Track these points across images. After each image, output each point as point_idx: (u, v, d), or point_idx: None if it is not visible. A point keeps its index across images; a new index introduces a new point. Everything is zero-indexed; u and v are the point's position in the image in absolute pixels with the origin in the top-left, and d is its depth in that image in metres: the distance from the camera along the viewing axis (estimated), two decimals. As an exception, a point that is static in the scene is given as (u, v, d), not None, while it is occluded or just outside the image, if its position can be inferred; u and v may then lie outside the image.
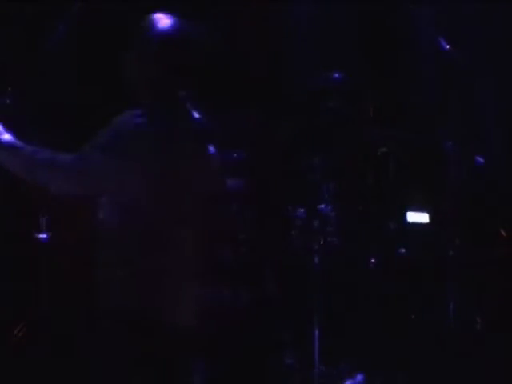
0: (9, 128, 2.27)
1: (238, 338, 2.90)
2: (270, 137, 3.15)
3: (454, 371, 2.99)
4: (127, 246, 2.14)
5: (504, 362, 3.00)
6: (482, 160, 2.97)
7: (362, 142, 3.14)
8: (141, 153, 2.07)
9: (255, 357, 2.91)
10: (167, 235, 2.15)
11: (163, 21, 2.16)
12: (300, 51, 3.44)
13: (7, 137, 2.16)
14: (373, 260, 3.25)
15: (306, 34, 3.57)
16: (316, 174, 3.05)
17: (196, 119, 2.18)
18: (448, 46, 2.90)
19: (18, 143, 2.14)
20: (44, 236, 3.43)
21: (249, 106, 3.26)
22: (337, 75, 3.05)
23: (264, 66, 3.54)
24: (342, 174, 3.17)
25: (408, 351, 3.05)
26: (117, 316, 2.15)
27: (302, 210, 3.03)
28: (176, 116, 2.18)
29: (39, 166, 2.13)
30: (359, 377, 2.89)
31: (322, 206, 3.03)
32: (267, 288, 3.00)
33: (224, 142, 3.08)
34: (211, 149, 2.29)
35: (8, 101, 2.60)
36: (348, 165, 3.20)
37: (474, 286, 3.05)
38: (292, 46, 3.48)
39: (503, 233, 3.20)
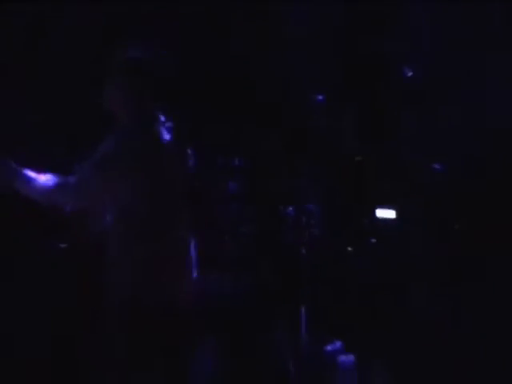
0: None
1: (239, 315, 3.45)
2: (265, 147, 3.68)
3: (422, 347, 3.59)
4: (128, 240, 2.50)
5: (467, 344, 3.57)
6: (439, 167, 3.55)
7: (341, 152, 3.70)
8: (125, 164, 2.44)
9: (253, 332, 3.47)
10: (162, 228, 2.50)
11: (131, 53, 2.58)
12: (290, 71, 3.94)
13: (26, 172, 2.48)
14: (349, 248, 3.83)
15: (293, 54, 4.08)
16: (304, 179, 3.60)
17: (168, 129, 2.59)
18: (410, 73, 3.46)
19: (35, 176, 2.47)
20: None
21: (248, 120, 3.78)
22: (321, 97, 3.58)
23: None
24: (325, 178, 3.73)
25: (381, 325, 3.64)
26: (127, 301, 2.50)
27: (291, 209, 3.59)
28: (150, 129, 2.55)
29: (52, 192, 2.48)
30: (338, 344, 3.48)
31: (309, 205, 3.60)
32: (263, 273, 3.55)
33: (227, 149, 3.61)
34: (186, 151, 2.74)
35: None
36: (330, 171, 3.76)
37: (431, 269, 3.65)
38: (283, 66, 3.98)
39: (456, 226, 3.80)
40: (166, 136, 2.61)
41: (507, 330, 3.40)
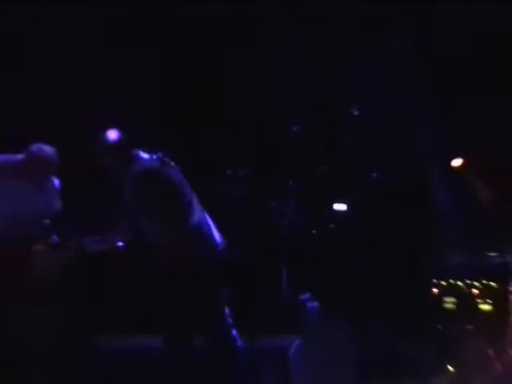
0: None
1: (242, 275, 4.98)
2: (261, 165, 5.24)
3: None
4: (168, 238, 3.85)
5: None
6: (375, 175, 5.17)
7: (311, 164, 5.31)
8: (146, 193, 3.77)
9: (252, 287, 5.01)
10: (186, 222, 3.83)
11: (110, 135, 3.91)
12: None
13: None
14: (314, 231, 5.41)
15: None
16: (286, 183, 5.16)
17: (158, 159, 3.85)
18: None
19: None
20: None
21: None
22: (296, 128, 5.14)
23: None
24: (300, 183, 5.30)
25: (336, 282, 5.24)
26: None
27: (275, 203, 5.14)
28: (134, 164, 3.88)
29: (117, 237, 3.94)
30: (307, 295, 5.06)
31: (290, 202, 5.17)
32: (258, 247, 5.09)
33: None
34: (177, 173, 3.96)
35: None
36: (303, 178, 5.35)
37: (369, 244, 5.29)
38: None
39: (393, 216, 5.43)
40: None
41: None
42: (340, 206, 5.38)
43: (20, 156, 4.70)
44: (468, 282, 5.09)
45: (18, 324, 4.62)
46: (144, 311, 4.98)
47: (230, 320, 4.05)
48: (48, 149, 4.65)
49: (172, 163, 4.00)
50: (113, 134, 4.00)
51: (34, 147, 4.66)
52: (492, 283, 5.10)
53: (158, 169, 3.94)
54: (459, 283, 5.07)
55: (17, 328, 4.58)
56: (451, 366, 4.97)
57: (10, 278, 4.59)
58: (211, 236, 4.03)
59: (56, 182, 4.85)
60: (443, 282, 5.08)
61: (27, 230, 4.68)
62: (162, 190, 3.92)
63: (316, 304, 5.06)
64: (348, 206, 5.38)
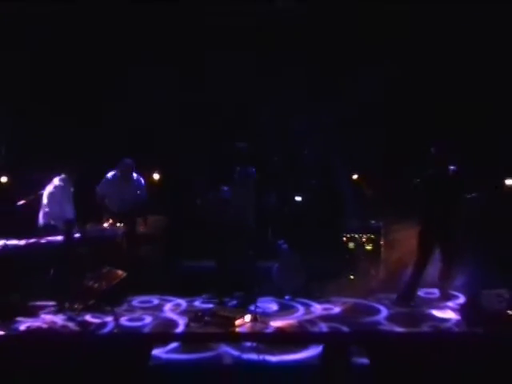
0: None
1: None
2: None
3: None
4: None
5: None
6: (314, 181, 9.93)
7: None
8: None
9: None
10: None
11: None
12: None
13: None
14: (286, 209, 10.14)
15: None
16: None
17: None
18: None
19: None
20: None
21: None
22: (276, 158, 9.89)
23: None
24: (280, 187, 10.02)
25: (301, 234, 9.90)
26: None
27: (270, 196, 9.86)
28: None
29: None
30: (282, 241, 9.70)
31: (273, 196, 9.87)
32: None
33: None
34: None
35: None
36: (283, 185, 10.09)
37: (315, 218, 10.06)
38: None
39: (324, 202, 10.20)
40: None
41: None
42: (298, 198, 10.15)
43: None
44: (360, 235, 9.85)
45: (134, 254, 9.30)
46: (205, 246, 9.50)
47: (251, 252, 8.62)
48: (128, 160, 9.23)
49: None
50: None
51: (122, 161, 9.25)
52: (372, 235, 9.86)
53: None
54: (356, 235, 9.82)
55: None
56: (352, 275, 9.70)
57: (130, 228, 9.27)
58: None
59: (141, 180, 9.36)
60: (348, 235, 9.84)
61: (130, 205, 9.31)
62: None
63: (286, 245, 9.66)
64: (302, 198, 10.13)
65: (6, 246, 8.05)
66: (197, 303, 9.08)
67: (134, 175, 9.23)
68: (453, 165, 8.38)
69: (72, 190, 8.80)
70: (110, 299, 8.30)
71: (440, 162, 8.38)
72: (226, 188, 8.68)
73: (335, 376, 6.46)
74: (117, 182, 9.10)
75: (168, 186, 10.23)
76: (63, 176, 8.75)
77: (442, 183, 8.42)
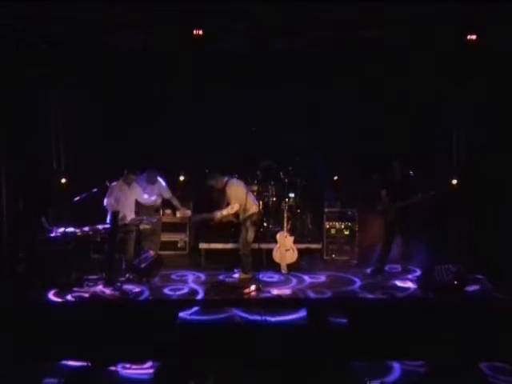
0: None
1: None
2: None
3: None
4: None
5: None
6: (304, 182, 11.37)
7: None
8: None
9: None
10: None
11: None
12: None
13: None
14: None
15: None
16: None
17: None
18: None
19: None
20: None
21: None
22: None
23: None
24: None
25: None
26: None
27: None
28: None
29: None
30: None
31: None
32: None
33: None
34: None
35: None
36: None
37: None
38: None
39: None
40: None
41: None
42: (291, 194, 11.47)
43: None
44: (339, 222, 11.28)
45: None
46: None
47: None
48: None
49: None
50: None
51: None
52: (348, 223, 11.25)
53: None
54: (336, 223, 11.23)
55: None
56: (334, 255, 11.08)
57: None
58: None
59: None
60: (330, 222, 11.23)
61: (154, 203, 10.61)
62: None
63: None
64: (295, 193, 11.46)
65: (65, 233, 9.37)
66: (214, 276, 10.12)
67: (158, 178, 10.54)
68: (407, 169, 9.92)
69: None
70: (146, 273, 9.56)
71: (397, 169, 10.04)
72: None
73: (318, 332, 7.60)
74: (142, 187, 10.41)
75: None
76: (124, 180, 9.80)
77: (397, 183, 10.04)
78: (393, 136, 10.80)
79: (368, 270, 10.40)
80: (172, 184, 10.88)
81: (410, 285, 9.49)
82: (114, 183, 9.77)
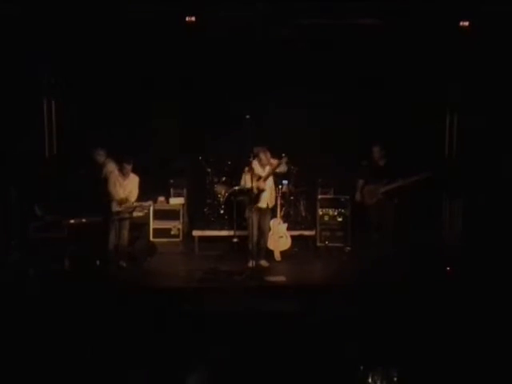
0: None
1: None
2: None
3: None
4: None
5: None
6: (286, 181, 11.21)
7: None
8: None
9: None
10: None
11: None
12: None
13: None
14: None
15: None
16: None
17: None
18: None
19: None
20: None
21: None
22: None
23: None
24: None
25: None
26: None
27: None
28: None
29: None
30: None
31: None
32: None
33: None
34: None
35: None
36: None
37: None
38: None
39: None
40: None
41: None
42: (284, 181, 11.30)
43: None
44: (333, 209, 11.14)
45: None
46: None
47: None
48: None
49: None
50: None
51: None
52: (342, 210, 11.15)
53: None
54: (329, 210, 11.08)
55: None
56: (327, 241, 11.00)
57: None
58: None
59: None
60: (323, 209, 11.10)
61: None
62: None
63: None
64: (288, 181, 11.30)
65: (57, 221, 9.24)
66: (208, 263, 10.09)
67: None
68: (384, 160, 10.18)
69: None
70: (139, 261, 9.52)
71: (376, 159, 10.27)
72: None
73: (314, 320, 7.55)
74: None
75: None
76: None
77: (377, 169, 10.23)
78: (377, 119, 10.97)
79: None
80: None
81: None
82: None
